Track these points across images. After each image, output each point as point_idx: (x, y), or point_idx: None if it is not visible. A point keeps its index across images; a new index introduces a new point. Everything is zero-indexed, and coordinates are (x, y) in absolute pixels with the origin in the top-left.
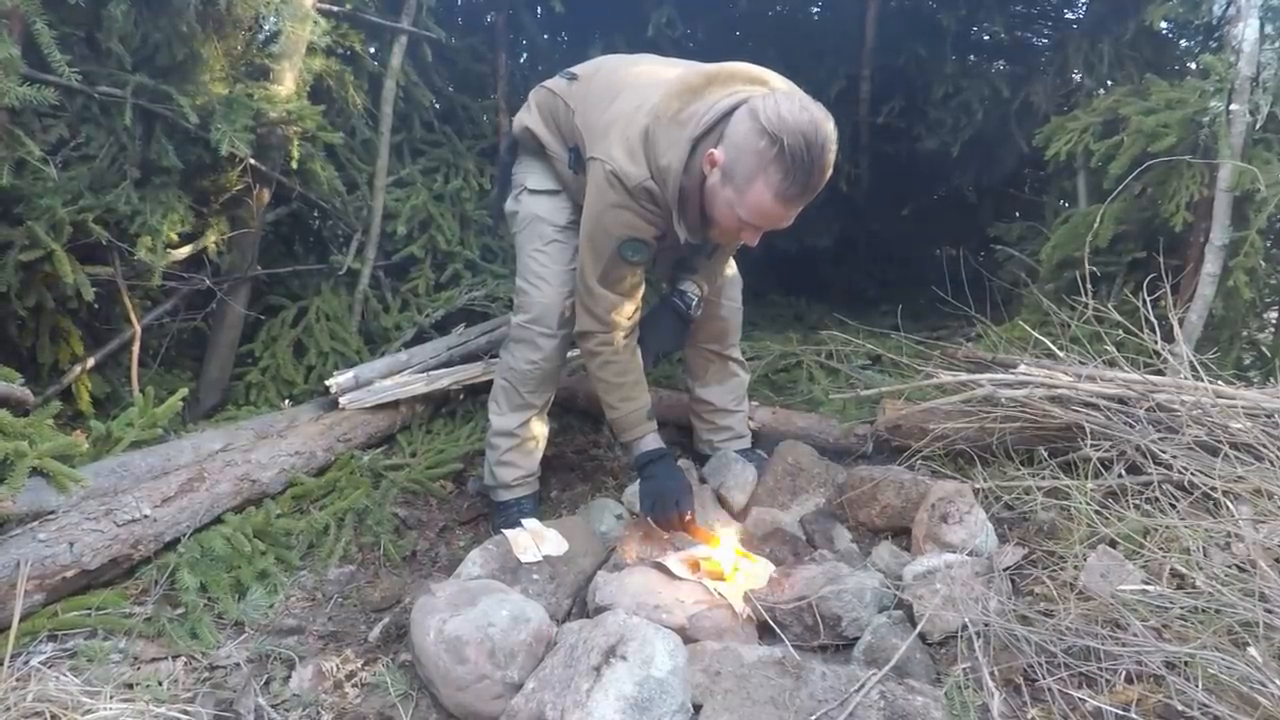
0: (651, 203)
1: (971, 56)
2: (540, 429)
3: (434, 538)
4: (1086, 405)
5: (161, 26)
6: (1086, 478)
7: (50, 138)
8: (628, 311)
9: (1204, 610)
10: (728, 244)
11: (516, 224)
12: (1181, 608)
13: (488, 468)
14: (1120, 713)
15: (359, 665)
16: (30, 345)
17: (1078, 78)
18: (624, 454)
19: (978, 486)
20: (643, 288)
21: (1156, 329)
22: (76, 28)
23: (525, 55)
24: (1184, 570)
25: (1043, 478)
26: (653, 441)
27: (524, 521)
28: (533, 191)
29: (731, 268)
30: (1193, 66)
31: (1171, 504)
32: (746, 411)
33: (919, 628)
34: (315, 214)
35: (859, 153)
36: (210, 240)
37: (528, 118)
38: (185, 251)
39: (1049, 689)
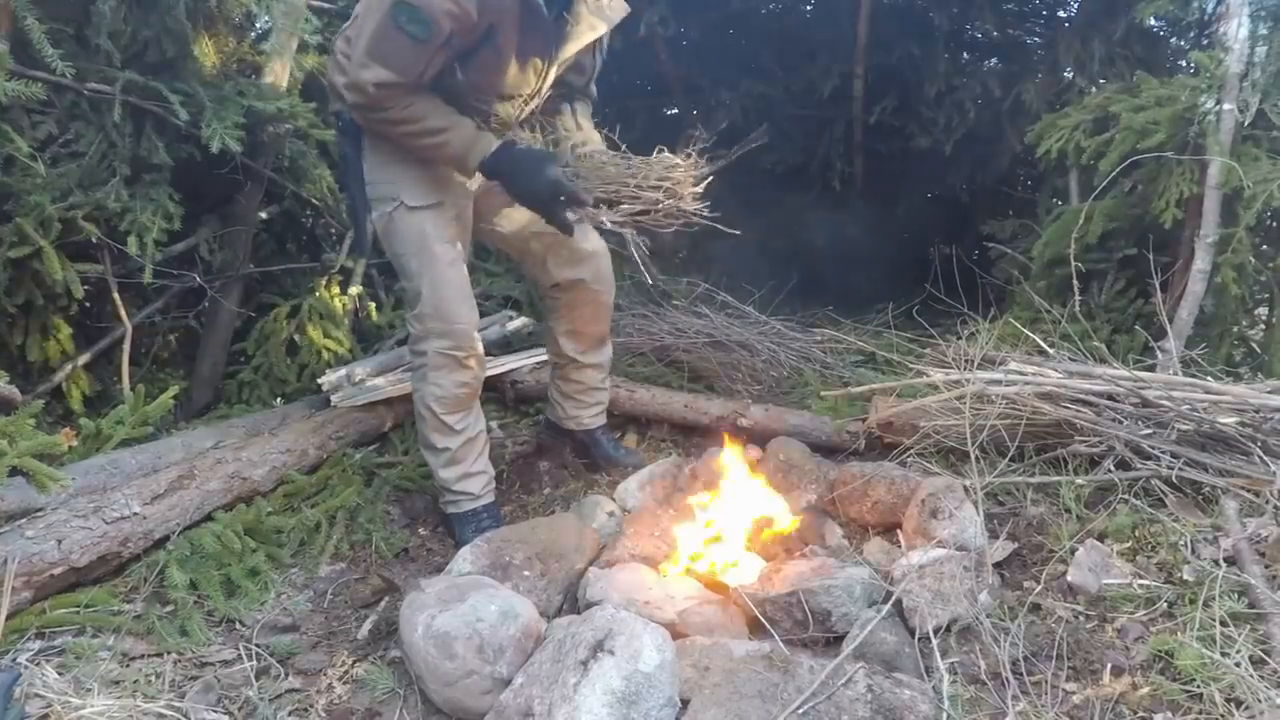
0: None
1: (964, 55)
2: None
3: (425, 535)
4: (1076, 402)
5: (151, 23)
6: (1076, 473)
7: (39, 134)
8: (397, 85)
9: (1190, 603)
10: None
11: (399, 244)
12: (1168, 602)
13: (444, 488)
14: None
15: (349, 662)
16: (20, 343)
17: (1069, 75)
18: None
19: (968, 482)
20: (421, 82)
21: (1148, 325)
22: (66, 24)
23: None
24: (1171, 564)
25: (1032, 474)
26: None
27: None
28: (413, 208)
29: (599, 242)
30: (1183, 64)
31: (1160, 499)
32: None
33: (909, 622)
34: (307, 212)
35: (852, 151)
36: (202, 238)
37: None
38: (177, 249)
39: (1036, 682)
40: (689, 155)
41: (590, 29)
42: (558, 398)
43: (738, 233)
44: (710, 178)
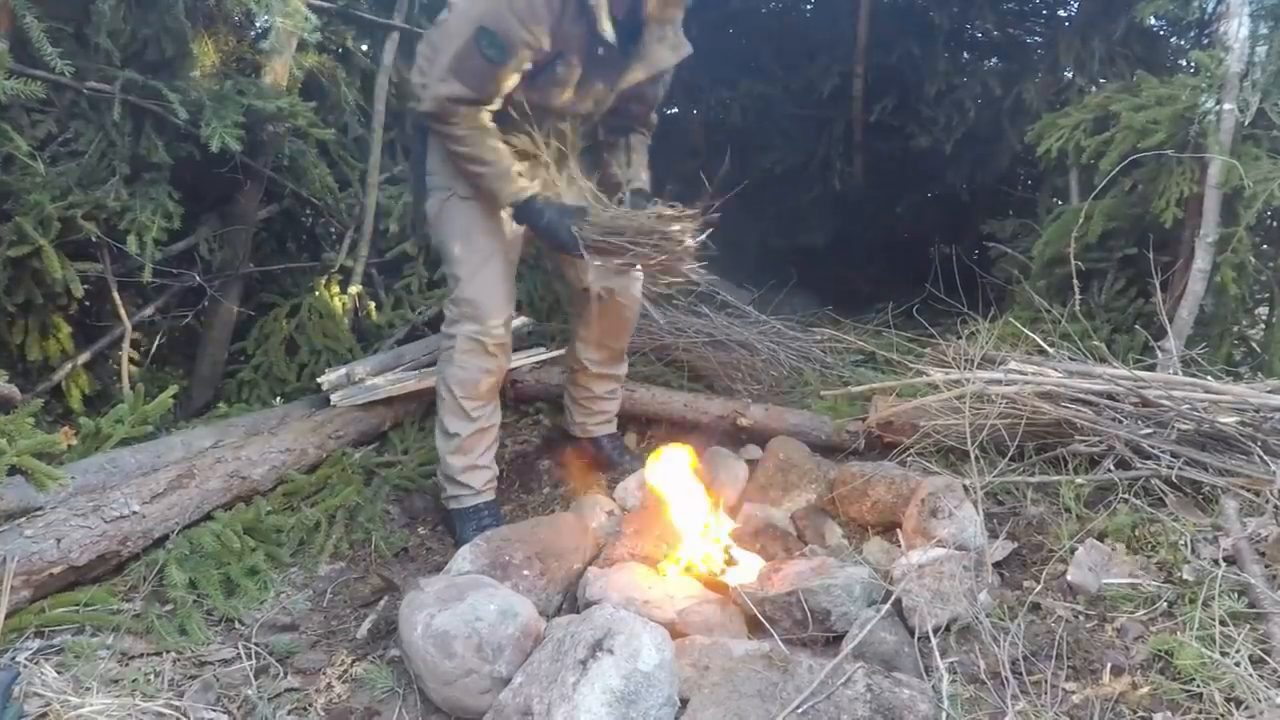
0: None
1: (964, 54)
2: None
3: (425, 534)
4: (1076, 401)
5: (151, 22)
6: (1076, 473)
7: (39, 133)
8: (475, 109)
9: (1190, 603)
10: (656, 32)
11: (448, 229)
12: (1168, 601)
13: (448, 477)
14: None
15: (348, 661)
16: (20, 342)
17: (1069, 75)
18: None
19: (967, 482)
20: (498, 99)
21: (1148, 325)
22: (65, 22)
23: None
24: (1171, 564)
25: (1032, 473)
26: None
27: None
28: (464, 198)
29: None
30: (1183, 63)
31: (1160, 499)
32: (620, 399)
33: (908, 621)
34: (307, 211)
35: (852, 150)
36: (201, 237)
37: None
38: (176, 248)
39: (1036, 682)
40: (674, 205)
41: (658, 60)
42: (568, 402)
43: (748, 306)
44: (708, 230)
